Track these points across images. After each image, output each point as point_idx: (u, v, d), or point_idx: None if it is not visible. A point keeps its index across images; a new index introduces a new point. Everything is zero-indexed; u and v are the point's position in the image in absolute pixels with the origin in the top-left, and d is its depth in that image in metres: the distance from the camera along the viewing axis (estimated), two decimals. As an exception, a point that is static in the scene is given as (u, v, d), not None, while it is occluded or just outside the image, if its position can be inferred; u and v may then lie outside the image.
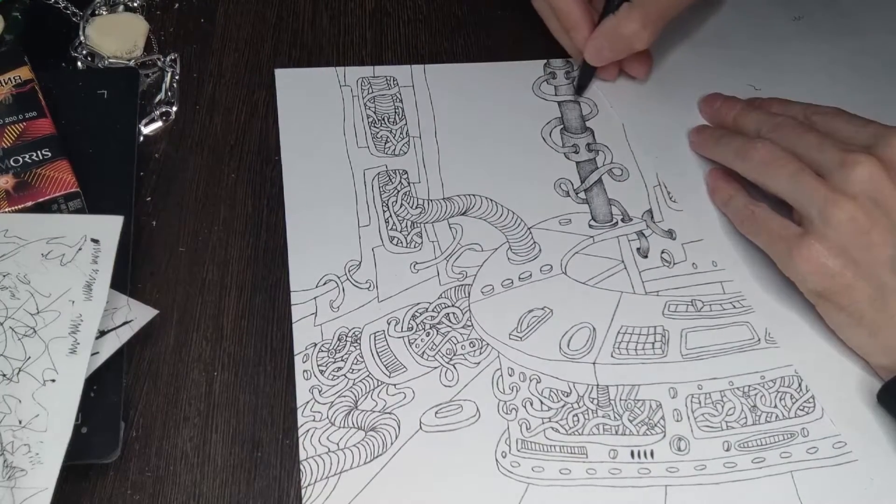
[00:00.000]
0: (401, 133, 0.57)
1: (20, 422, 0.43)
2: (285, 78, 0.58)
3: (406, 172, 0.55)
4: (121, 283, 0.48)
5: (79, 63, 0.58)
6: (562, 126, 0.58)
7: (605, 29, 0.56)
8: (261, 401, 0.48)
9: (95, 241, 0.48)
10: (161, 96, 0.58)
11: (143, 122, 0.56)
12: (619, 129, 0.59)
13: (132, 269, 0.50)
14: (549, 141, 0.58)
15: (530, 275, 0.52)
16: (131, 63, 0.58)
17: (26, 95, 0.53)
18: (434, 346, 0.49)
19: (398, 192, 0.54)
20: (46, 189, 0.50)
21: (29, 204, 0.49)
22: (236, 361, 0.49)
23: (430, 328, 0.49)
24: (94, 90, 0.56)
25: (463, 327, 0.50)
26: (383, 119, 0.57)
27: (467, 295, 0.51)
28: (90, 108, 0.55)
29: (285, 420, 0.47)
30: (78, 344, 0.45)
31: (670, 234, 0.54)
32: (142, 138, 0.56)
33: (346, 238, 0.52)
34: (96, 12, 0.60)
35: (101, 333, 0.46)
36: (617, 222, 0.55)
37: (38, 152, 0.51)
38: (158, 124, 0.57)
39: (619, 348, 0.50)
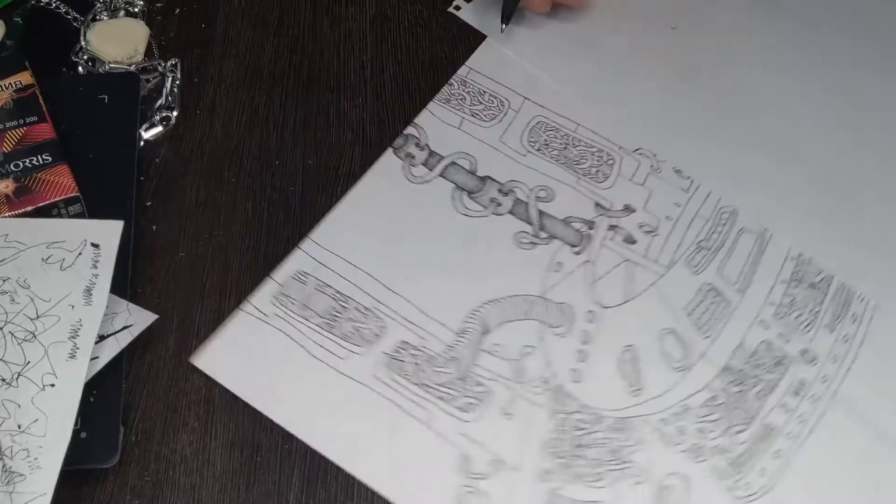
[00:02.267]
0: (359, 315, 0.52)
1: (19, 426, 0.43)
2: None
3: (423, 350, 0.50)
4: (121, 287, 0.48)
5: (80, 68, 0.58)
6: (465, 192, 0.55)
7: None
8: (260, 406, 0.48)
9: (95, 245, 0.48)
10: (162, 101, 0.58)
11: (144, 126, 0.56)
12: (501, 157, 0.57)
13: (132, 274, 0.50)
14: (471, 211, 0.55)
15: (585, 332, 0.51)
16: (132, 68, 0.58)
17: (27, 100, 0.53)
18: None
19: (416, 365, 0.50)
20: (47, 194, 0.50)
21: (29, 208, 0.50)
22: (236, 366, 0.49)
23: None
24: (94, 95, 0.56)
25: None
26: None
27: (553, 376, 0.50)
28: (91, 112, 0.55)
29: (285, 425, 0.47)
30: (77, 349, 0.45)
31: (628, 208, 0.55)
32: (142, 143, 0.56)
33: None
34: (97, 17, 0.60)
35: (101, 338, 0.46)
36: (585, 233, 0.54)
37: (39, 157, 0.51)
38: (159, 129, 0.57)
39: (698, 323, 0.51)
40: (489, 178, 0.56)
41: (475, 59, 0.60)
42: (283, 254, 0.53)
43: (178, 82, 0.58)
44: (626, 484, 0.47)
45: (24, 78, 0.54)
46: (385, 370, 0.49)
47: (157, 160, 0.56)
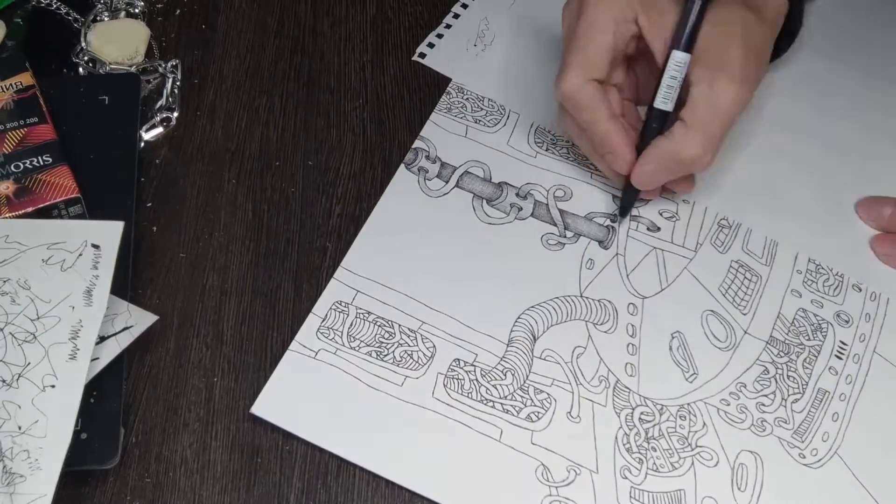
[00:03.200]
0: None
1: (20, 427, 0.43)
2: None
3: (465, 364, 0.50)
4: (121, 288, 0.48)
5: (80, 69, 0.58)
6: (484, 200, 0.55)
7: (659, 153, 0.49)
8: (260, 407, 0.48)
9: (96, 246, 0.48)
10: (162, 102, 0.58)
11: (144, 127, 0.56)
12: (512, 161, 0.57)
13: (132, 275, 0.50)
14: (494, 219, 0.55)
15: (630, 325, 0.51)
16: (132, 69, 0.58)
17: (28, 101, 0.53)
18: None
19: (473, 381, 0.49)
20: (47, 194, 0.50)
21: (30, 209, 0.50)
22: (236, 367, 0.49)
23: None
24: (95, 96, 0.56)
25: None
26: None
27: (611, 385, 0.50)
28: (91, 113, 0.55)
29: (285, 426, 0.47)
30: (78, 349, 0.45)
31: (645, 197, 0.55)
32: (143, 144, 0.56)
33: None
34: (98, 18, 0.60)
35: (101, 339, 0.46)
36: (609, 227, 0.55)
37: (39, 158, 0.51)
38: (159, 130, 0.57)
39: (735, 300, 0.52)
40: (505, 183, 0.56)
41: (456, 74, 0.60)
42: (283, 255, 0.53)
43: (178, 83, 0.58)
44: (701, 469, 0.47)
45: (25, 79, 0.54)
46: (444, 391, 0.48)
47: (157, 161, 0.56)
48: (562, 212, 0.55)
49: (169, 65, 0.59)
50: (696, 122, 0.48)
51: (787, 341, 0.51)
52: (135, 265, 0.51)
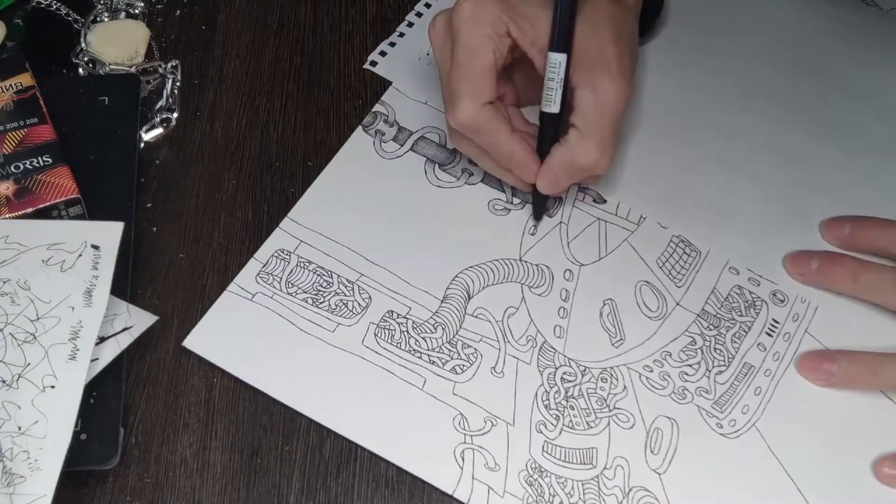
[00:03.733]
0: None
1: (19, 428, 0.43)
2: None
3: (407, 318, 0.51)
4: (121, 289, 0.48)
5: (80, 69, 0.58)
6: (437, 164, 0.56)
7: (559, 161, 0.50)
8: (260, 407, 0.48)
9: (96, 247, 0.48)
10: (162, 103, 0.58)
11: (144, 128, 0.56)
12: None
13: (132, 276, 0.50)
14: (445, 183, 0.55)
15: (564, 290, 0.52)
16: (132, 69, 0.58)
17: (27, 102, 0.53)
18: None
19: (404, 332, 0.50)
20: (47, 195, 0.50)
21: (29, 210, 0.50)
22: (236, 368, 0.49)
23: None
24: (95, 97, 0.56)
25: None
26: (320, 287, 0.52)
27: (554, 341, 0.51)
28: (91, 114, 0.55)
29: (284, 427, 0.47)
30: (78, 350, 0.45)
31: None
32: (142, 145, 0.56)
33: None
34: (98, 19, 0.60)
35: (101, 339, 0.46)
36: (559, 197, 0.55)
37: (39, 158, 0.51)
38: (159, 131, 0.57)
39: (671, 274, 0.53)
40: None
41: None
42: (284, 255, 0.53)
43: (178, 84, 0.58)
44: (617, 430, 0.48)
45: (25, 79, 0.54)
46: (374, 339, 0.50)
47: (157, 162, 0.56)
48: None
49: (169, 65, 0.59)
50: (587, 128, 0.49)
51: (718, 315, 0.52)
52: (134, 266, 0.51)
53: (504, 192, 0.55)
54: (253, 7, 0.63)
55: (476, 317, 0.51)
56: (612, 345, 0.51)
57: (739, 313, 0.52)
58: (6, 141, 0.52)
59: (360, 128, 0.57)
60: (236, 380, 0.48)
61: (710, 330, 0.51)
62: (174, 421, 0.47)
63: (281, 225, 0.53)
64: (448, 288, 0.52)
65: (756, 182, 0.56)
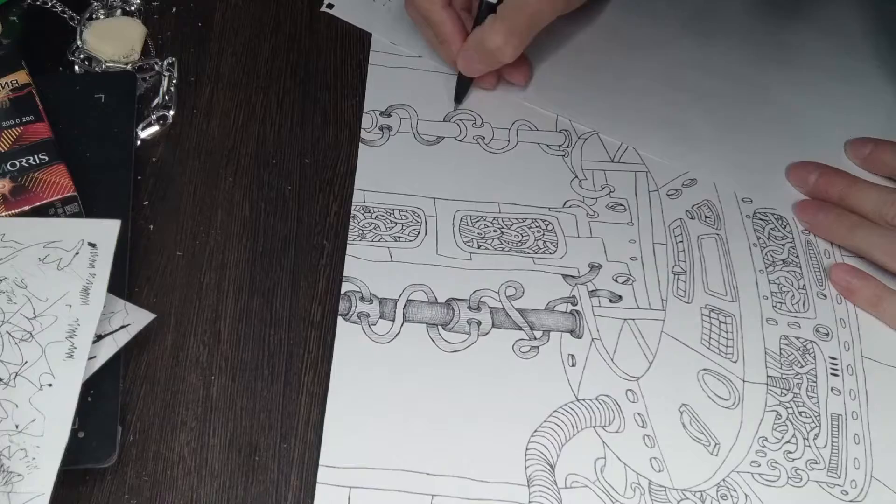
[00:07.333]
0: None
1: (17, 426, 0.43)
2: None
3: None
4: (118, 287, 0.48)
5: (76, 67, 0.58)
6: (438, 327, 0.50)
7: (472, 42, 0.53)
8: (258, 405, 0.48)
9: (93, 245, 0.48)
10: (158, 100, 0.58)
11: (141, 126, 0.56)
12: (448, 271, 0.52)
13: (129, 273, 0.50)
14: (457, 344, 0.49)
15: (637, 415, 0.48)
16: (128, 67, 0.58)
17: (23, 99, 0.53)
18: None
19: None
20: (43, 193, 0.50)
21: (26, 208, 0.49)
22: (234, 365, 0.49)
23: None
24: (91, 94, 0.56)
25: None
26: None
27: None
28: (87, 112, 0.55)
29: (283, 424, 0.47)
30: (75, 348, 0.45)
31: (594, 266, 0.53)
32: (139, 142, 0.56)
33: None
34: (94, 16, 0.60)
35: (99, 338, 0.46)
36: (573, 311, 0.52)
37: (36, 156, 0.51)
38: (156, 128, 0.57)
39: (720, 350, 0.51)
40: (453, 299, 0.51)
41: (361, 180, 0.55)
42: (280, 252, 0.53)
43: (174, 81, 0.58)
44: None
45: (21, 77, 0.54)
46: None
47: (153, 159, 0.56)
48: (521, 311, 0.50)
49: (165, 63, 0.59)
50: (503, 14, 0.52)
51: (784, 377, 0.49)
52: (132, 263, 0.51)
53: (522, 329, 0.50)
54: (249, 4, 0.63)
55: (571, 487, 0.45)
56: (711, 454, 0.47)
57: (799, 364, 0.49)
58: (2, 139, 0.52)
59: (339, 319, 0.50)
60: (234, 377, 0.48)
61: (785, 395, 0.48)
62: (172, 419, 0.47)
63: (320, 479, 0.45)
64: (527, 467, 0.46)
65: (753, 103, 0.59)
